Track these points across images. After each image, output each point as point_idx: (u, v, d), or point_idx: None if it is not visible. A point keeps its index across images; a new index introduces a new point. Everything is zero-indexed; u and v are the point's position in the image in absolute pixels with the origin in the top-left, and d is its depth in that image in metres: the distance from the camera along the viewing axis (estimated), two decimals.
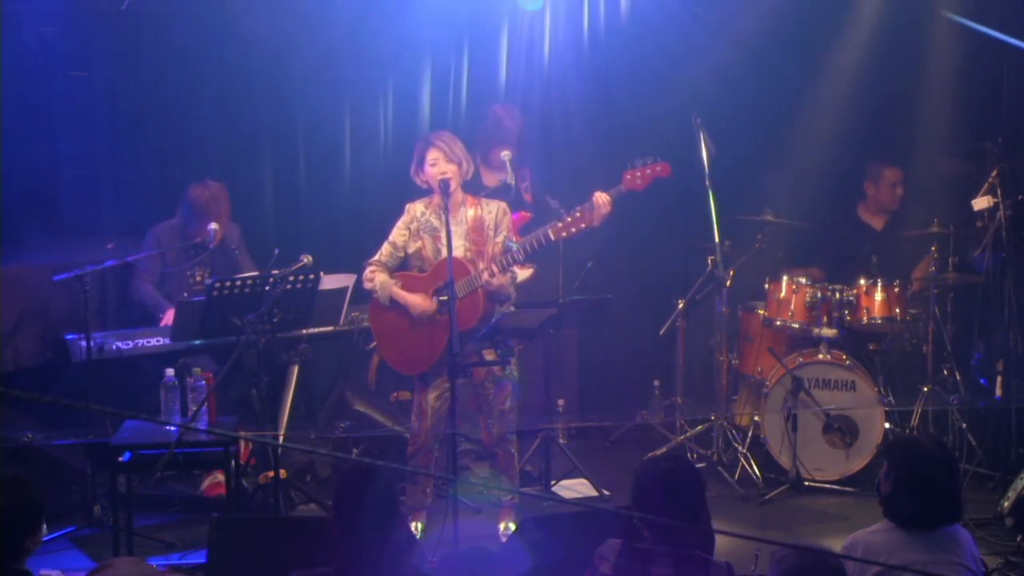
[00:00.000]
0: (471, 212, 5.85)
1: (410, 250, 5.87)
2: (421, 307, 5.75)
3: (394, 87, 7.81)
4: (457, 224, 5.78)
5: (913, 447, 4.11)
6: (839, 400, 6.73)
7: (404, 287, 5.82)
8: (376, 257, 5.89)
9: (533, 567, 4.34)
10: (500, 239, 5.83)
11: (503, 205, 5.94)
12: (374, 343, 6.25)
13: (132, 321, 7.01)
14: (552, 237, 5.72)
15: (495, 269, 5.67)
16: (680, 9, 7.63)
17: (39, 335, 6.66)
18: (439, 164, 5.79)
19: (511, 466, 6.04)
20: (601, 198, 6.30)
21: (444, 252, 5.73)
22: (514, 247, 5.71)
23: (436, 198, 5.85)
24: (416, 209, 5.90)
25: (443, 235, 5.76)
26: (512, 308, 5.90)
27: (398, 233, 5.90)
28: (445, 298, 5.55)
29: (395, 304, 5.81)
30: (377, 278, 5.83)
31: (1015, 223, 6.56)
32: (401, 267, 5.91)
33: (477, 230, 5.82)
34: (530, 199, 6.98)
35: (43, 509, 3.90)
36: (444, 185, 5.73)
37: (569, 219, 5.72)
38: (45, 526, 3.95)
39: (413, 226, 5.88)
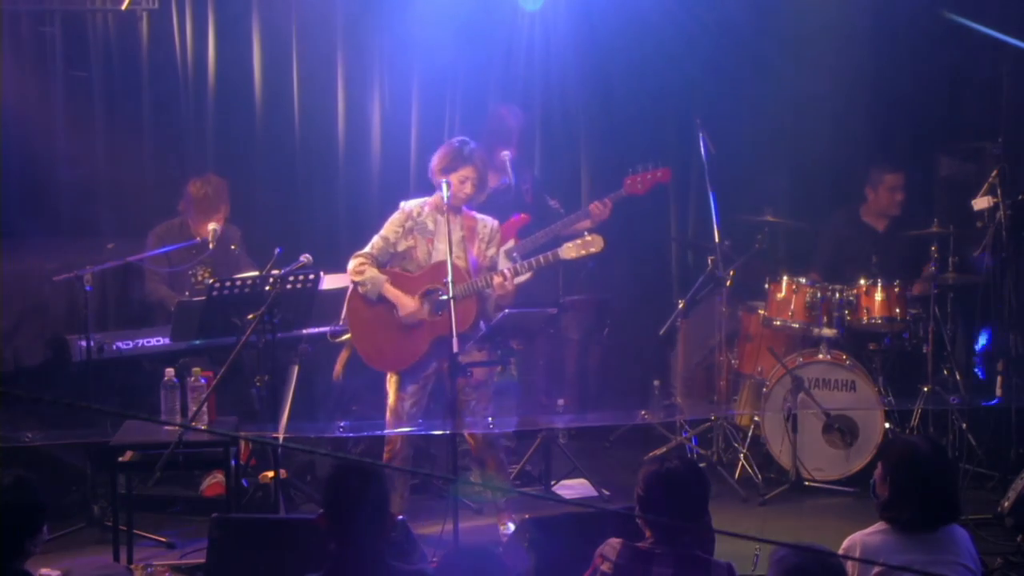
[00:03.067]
0: (466, 222, 5.84)
1: (400, 248, 5.83)
2: (412, 311, 5.71)
3: (393, 87, 7.81)
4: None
5: (910, 452, 4.07)
6: (839, 400, 6.73)
7: (394, 286, 5.79)
8: (367, 250, 5.83)
9: (533, 567, 4.34)
10: (490, 253, 5.84)
11: (496, 223, 5.94)
12: (344, 336, 6.19)
13: (132, 321, 7.01)
14: (562, 257, 5.76)
15: (508, 274, 5.67)
16: (680, 9, 7.63)
17: (39, 335, 6.66)
18: (467, 185, 5.76)
19: (502, 469, 6.04)
20: (597, 208, 6.48)
21: (435, 256, 5.73)
22: (519, 261, 5.73)
23: (435, 199, 5.83)
24: (412, 209, 5.87)
25: (436, 239, 5.76)
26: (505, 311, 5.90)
27: (391, 229, 5.85)
28: (444, 297, 5.53)
29: (381, 299, 5.78)
30: (368, 271, 5.76)
31: (1015, 223, 6.56)
32: (387, 264, 5.87)
33: (469, 240, 5.82)
34: (530, 200, 6.98)
35: (45, 510, 3.90)
36: (447, 187, 5.70)
37: (580, 242, 5.75)
38: (46, 528, 3.95)
39: (407, 224, 5.83)
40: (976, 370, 7.21)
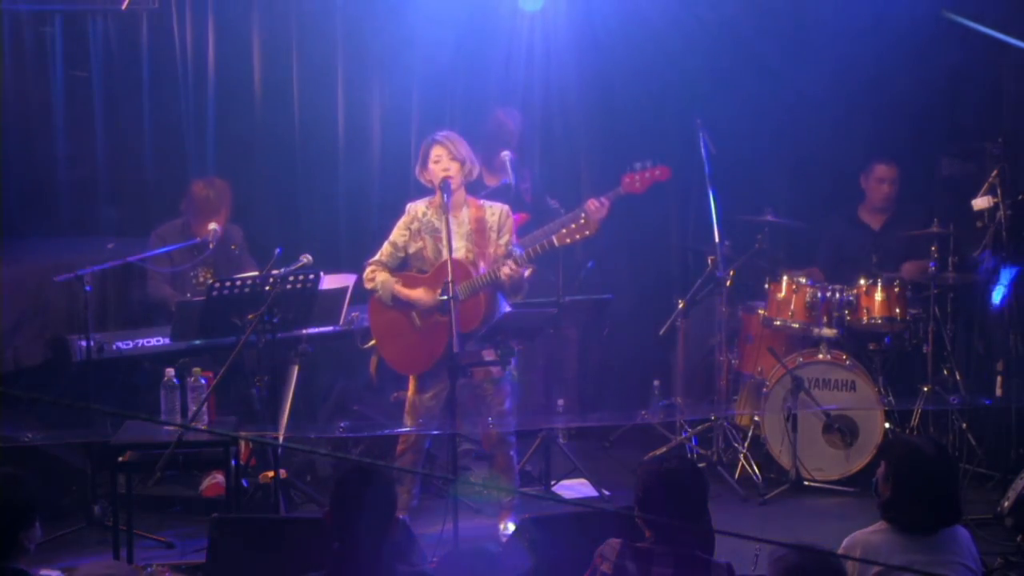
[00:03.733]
0: (473, 213, 5.84)
1: (411, 250, 5.86)
2: (425, 299, 5.73)
3: (393, 87, 7.81)
4: (458, 225, 5.77)
5: (913, 453, 4.06)
6: (839, 400, 6.72)
7: (405, 286, 5.82)
8: (376, 257, 5.88)
9: (533, 567, 4.34)
10: (503, 241, 5.83)
11: (506, 208, 5.93)
12: (372, 342, 6.25)
13: (132, 321, 7.01)
14: (556, 243, 5.72)
15: (513, 264, 5.64)
16: (680, 9, 7.62)
17: (39, 335, 6.65)
18: (442, 161, 5.78)
19: (510, 468, 6.02)
20: (593, 205, 6.45)
21: (445, 253, 5.72)
22: (517, 252, 5.72)
23: (437, 198, 5.83)
24: (418, 209, 5.89)
25: (444, 236, 5.76)
26: (508, 307, 5.90)
27: (399, 233, 5.89)
28: (444, 298, 5.53)
29: (397, 303, 5.80)
30: (378, 277, 5.83)
31: (1015, 223, 6.55)
32: (401, 267, 5.91)
33: (479, 232, 5.81)
34: (530, 200, 6.98)
35: (36, 504, 3.92)
36: (445, 184, 5.73)
37: (573, 226, 5.71)
38: (39, 525, 3.95)
39: (414, 226, 5.86)
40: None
